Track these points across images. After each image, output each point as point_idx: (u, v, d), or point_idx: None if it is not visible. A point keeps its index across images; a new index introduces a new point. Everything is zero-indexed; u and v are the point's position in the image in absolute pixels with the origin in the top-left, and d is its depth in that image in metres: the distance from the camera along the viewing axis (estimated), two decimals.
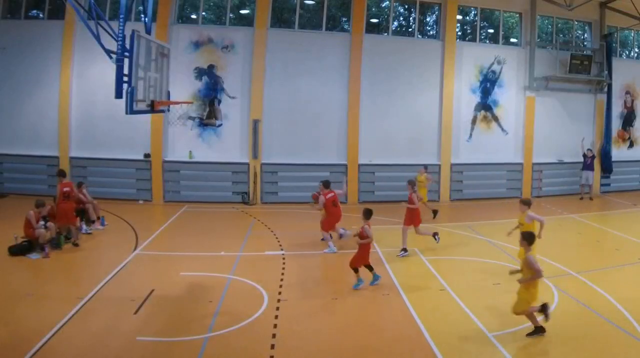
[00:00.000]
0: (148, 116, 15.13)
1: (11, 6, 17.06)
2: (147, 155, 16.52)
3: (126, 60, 8.43)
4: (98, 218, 13.27)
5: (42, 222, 10.83)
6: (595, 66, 19.23)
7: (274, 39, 16.84)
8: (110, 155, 16.32)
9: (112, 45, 8.58)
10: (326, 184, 11.73)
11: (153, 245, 11.72)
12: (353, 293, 8.94)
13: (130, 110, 8.38)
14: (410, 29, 18.56)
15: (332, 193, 11.62)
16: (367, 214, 9.22)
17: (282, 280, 9.49)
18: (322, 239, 11.68)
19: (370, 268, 9.18)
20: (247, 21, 17.26)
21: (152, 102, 9.36)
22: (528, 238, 7.22)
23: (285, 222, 14.14)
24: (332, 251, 11.19)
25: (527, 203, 9.55)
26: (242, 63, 16.75)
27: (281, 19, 17.65)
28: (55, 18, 16.51)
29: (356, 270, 9.07)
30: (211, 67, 16.67)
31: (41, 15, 16.99)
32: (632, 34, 20.86)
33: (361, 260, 9.10)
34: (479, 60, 18.27)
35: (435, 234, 11.48)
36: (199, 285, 9.13)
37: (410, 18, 18.64)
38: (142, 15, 10.70)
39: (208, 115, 16.80)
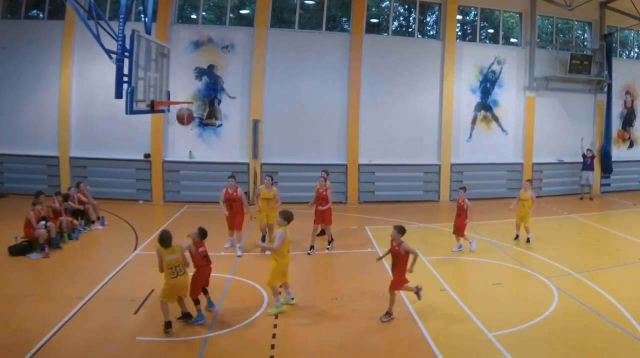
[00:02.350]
0: (148, 116, 15.12)
1: (11, 6, 17.06)
2: (147, 155, 16.52)
3: (126, 60, 8.45)
4: (98, 218, 13.28)
5: (42, 222, 10.84)
6: (595, 66, 19.24)
7: (274, 39, 16.84)
8: (110, 155, 16.32)
9: (112, 45, 8.59)
10: (229, 177, 11.18)
11: (153, 245, 11.69)
12: (352, 293, 8.93)
13: (130, 110, 8.40)
14: (410, 29, 18.56)
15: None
16: (201, 234, 7.83)
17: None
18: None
19: (205, 292, 7.87)
20: (247, 21, 17.26)
21: (152, 102, 9.38)
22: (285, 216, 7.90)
23: None
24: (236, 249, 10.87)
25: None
26: (242, 63, 16.76)
27: (281, 19, 17.65)
28: (55, 18, 16.51)
29: (196, 302, 7.61)
30: (211, 67, 16.68)
31: (41, 15, 16.99)
32: (632, 34, 20.86)
33: (194, 288, 7.62)
34: (479, 60, 18.27)
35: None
36: None
37: (410, 18, 18.64)
38: (142, 15, 10.71)
39: (208, 115, 16.80)
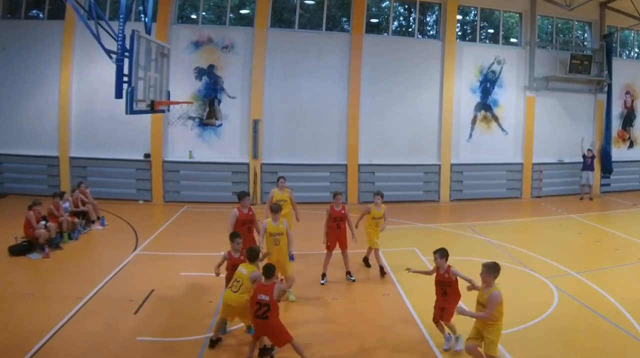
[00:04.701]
0: (148, 116, 15.12)
1: (11, 6, 17.06)
2: (147, 155, 16.52)
3: (126, 60, 8.44)
4: (98, 218, 13.29)
5: (42, 222, 10.84)
6: (595, 66, 19.23)
7: (274, 39, 16.84)
8: (110, 155, 16.32)
9: (112, 45, 8.59)
10: (241, 196, 9.18)
11: (153, 245, 11.72)
12: (353, 293, 8.94)
13: (130, 110, 8.40)
14: (410, 29, 18.56)
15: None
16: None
17: (282, 280, 9.48)
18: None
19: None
20: (247, 21, 17.26)
21: (152, 102, 9.37)
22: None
23: None
24: None
25: None
26: (242, 63, 16.76)
27: (281, 19, 17.65)
28: (55, 18, 16.50)
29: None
30: (211, 67, 16.67)
31: (41, 15, 16.99)
32: (632, 34, 20.86)
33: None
34: (479, 60, 18.26)
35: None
36: (199, 285, 9.13)
37: (410, 18, 18.63)
38: (142, 15, 10.72)
39: (208, 115, 16.80)
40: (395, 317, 7.94)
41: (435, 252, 7.02)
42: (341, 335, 7.34)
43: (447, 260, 6.97)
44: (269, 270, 6.47)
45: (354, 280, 9.56)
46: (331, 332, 7.45)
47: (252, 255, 6.95)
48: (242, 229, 8.64)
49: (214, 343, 6.86)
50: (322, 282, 9.49)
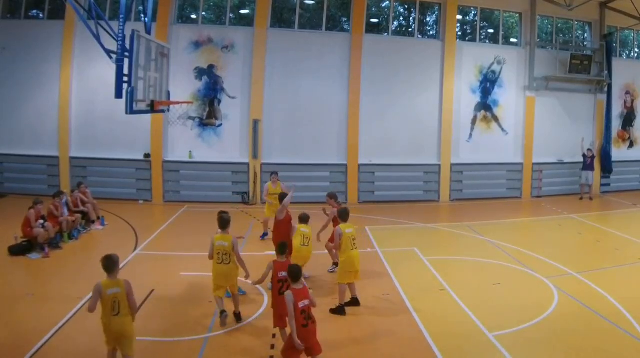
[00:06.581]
0: (148, 116, 15.12)
1: (11, 6, 17.07)
2: (147, 155, 16.51)
3: (126, 60, 8.46)
4: (98, 218, 13.29)
5: (40, 221, 10.82)
6: (595, 66, 19.22)
7: (274, 39, 16.84)
8: (110, 155, 16.31)
9: (112, 45, 8.60)
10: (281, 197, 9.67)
11: (153, 245, 11.72)
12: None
13: (130, 110, 8.41)
14: (410, 29, 18.56)
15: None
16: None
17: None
18: None
19: None
20: (247, 21, 17.26)
21: (152, 102, 9.38)
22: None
23: None
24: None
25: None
26: (242, 63, 16.75)
27: (281, 19, 17.65)
28: (55, 18, 16.50)
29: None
30: (211, 67, 16.67)
31: (41, 15, 16.99)
32: (632, 34, 20.85)
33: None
34: (479, 60, 18.26)
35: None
36: (199, 285, 9.12)
37: (410, 18, 18.63)
38: (142, 15, 10.73)
39: (208, 115, 16.79)
40: (395, 316, 7.93)
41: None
42: (340, 334, 7.33)
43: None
44: (282, 247, 7.19)
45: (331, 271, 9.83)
46: (330, 331, 7.42)
47: (225, 224, 7.69)
48: (287, 228, 9.24)
49: (222, 313, 7.36)
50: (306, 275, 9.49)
